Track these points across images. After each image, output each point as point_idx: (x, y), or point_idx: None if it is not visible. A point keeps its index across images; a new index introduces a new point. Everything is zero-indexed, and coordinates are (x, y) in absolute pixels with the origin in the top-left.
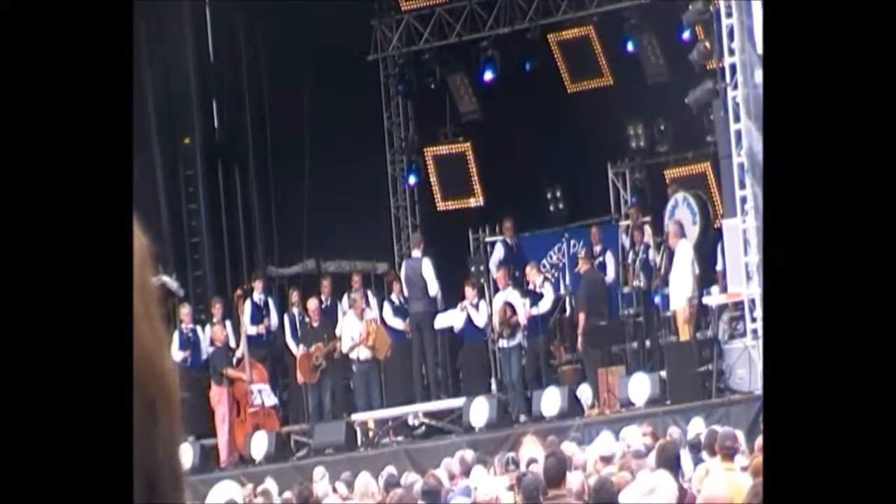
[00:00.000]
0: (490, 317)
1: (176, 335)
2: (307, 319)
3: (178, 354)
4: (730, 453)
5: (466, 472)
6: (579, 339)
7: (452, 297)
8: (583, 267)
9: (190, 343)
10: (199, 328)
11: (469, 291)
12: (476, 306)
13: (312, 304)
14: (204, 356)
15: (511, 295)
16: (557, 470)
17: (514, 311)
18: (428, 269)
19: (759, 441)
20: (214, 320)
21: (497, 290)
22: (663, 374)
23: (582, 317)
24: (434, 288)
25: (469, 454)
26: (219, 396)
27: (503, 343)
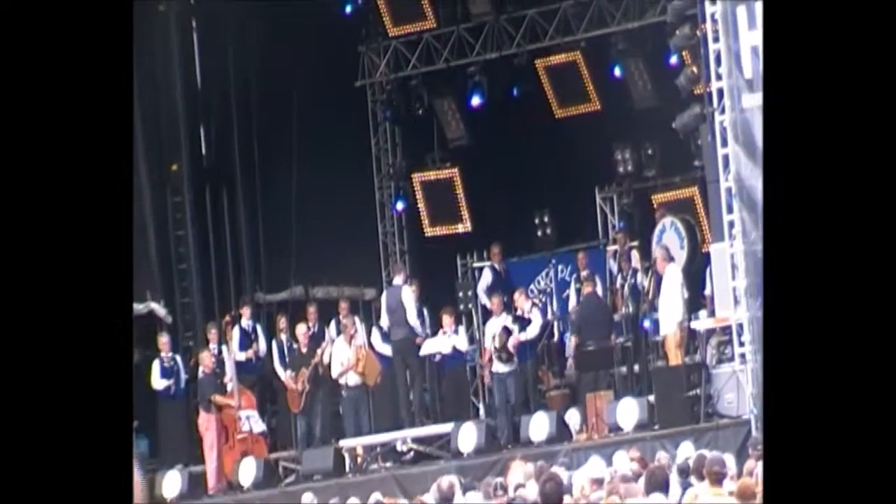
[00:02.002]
0: (473, 342)
1: (156, 364)
2: (296, 345)
3: (160, 383)
4: (718, 478)
5: (449, 498)
6: (570, 361)
7: (438, 323)
8: (585, 290)
9: (172, 372)
10: (178, 357)
11: (446, 318)
12: (455, 332)
13: (301, 329)
14: (183, 384)
15: (507, 320)
16: (556, 495)
17: (509, 337)
18: (408, 296)
19: (747, 465)
20: (211, 346)
21: (490, 315)
22: (651, 398)
23: (574, 340)
24: (413, 315)
25: (446, 480)
26: (207, 423)
27: (499, 368)
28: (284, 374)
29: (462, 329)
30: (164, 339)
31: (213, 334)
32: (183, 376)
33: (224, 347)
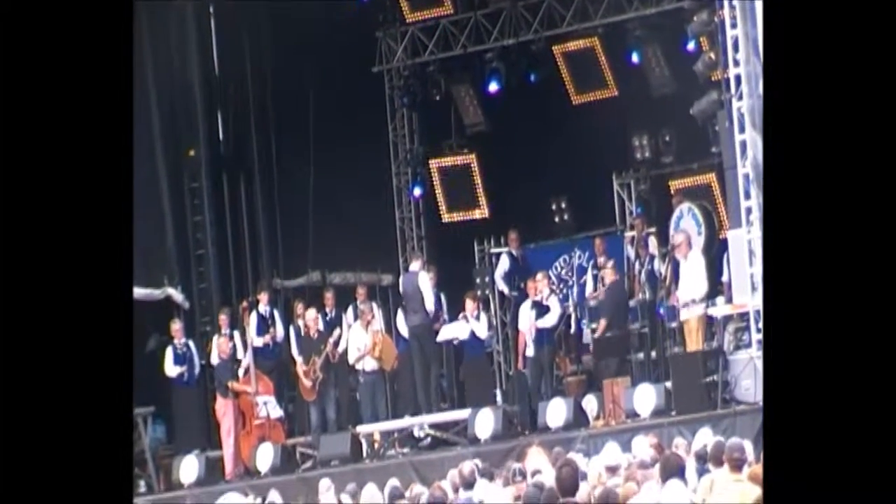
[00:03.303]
0: (490, 328)
1: (170, 351)
2: (304, 331)
3: (173, 370)
4: (738, 464)
5: (470, 484)
6: (591, 347)
7: (456, 309)
8: (609, 278)
9: (185, 358)
10: (191, 343)
11: (469, 304)
12: (477, 318)
13: (311, 314)
14: (197, 370)
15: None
16: (572, 480)
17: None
18: (425, 282)
19: None
20: (223, 331)
21: (524, 298)
22: (669, 384)
23: (603, 322)
24: (430, 301)
25: (467, 466)
26: (224, 409)
27: (532, 353)
28: (299, 361)
29: (484, 316)
30: (176, 326)
31: (223, 320)
32: (197, 362)
33: (236, 333)
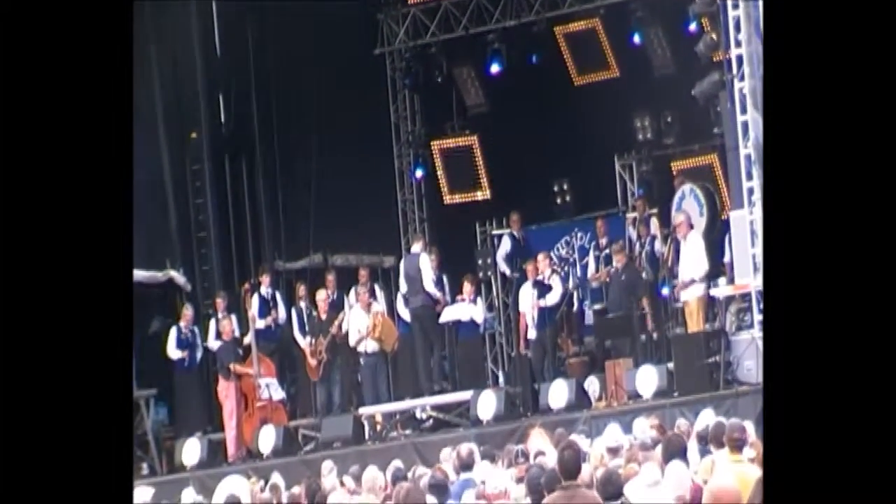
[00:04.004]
0: (492, 309)
1: (174, 333)
2: (315, 312)
3: (175, 353)
4: (738, 445)
5: (469, 465)
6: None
7: (458, 290)
8: (619, 261)
9: (187, 343)
10: (196, 328)
11: (467, 286)
12: (474, 301)
13: (321, 294)
14: (200, 353)
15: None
16: (574, 462)
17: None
18: (426, 263)
19: None
20: (220, 315)
21: (524, 280)
22: (671, 365)
23: (646, 301)
24: (431, 283)
25: (465, 447)
26: (226, 391)
27: (534, 335)
28: (304, 342)
29: (480, 300)
30: (188, 312)
31: (220, 304)
32: (200, 345)
33: (233, 316)
